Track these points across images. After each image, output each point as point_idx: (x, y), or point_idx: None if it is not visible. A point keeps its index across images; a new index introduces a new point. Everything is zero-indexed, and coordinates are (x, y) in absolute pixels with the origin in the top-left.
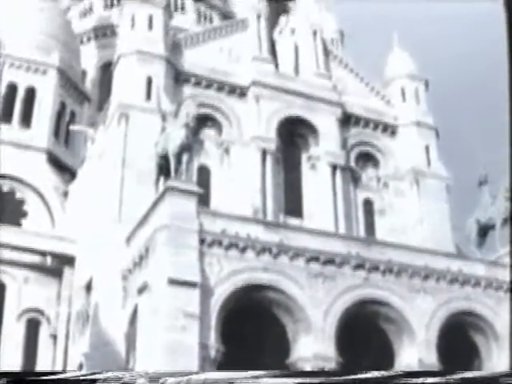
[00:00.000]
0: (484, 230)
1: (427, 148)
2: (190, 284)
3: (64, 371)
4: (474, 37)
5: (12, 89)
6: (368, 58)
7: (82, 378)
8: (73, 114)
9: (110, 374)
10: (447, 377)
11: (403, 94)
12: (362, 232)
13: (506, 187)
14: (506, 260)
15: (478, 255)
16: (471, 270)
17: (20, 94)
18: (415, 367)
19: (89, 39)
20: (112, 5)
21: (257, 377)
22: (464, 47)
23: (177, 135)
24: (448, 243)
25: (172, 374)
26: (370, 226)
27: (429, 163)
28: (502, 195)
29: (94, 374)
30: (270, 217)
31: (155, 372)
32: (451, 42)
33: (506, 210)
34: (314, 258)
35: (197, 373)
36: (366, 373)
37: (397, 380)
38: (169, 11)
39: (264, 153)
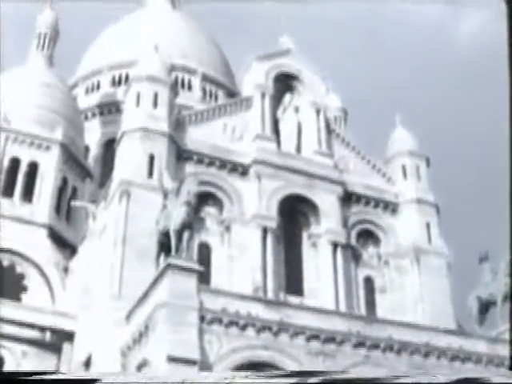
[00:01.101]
0: (485, 307)
1: (428, 225)
2: (189, 361)
3: (65, 372)
4: (478, 121)
5: (14, 163)
6: (371, 134)
7: (82, 378)
8: (74, 190)
9: (109, 374)
10: (447, 376)
11: (404, 171)
12: (362, 310)
13: (507, 262)
14: (507, 336)
15: (479, 332)
16: (472, 347)
17: (22, 169)
18: None
19: (93, 115)
20: (119, 82)
21: (257, 377)
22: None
23: (178, 213)
24: (449, 320)
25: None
26: (370, 304)
27: (430, 240)
28: (502, 271)
29: (95, 373)
30: (270, 294)
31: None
32: (452, 124)
33: (506, 286)
34: (314, 336)
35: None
36: (365, 373)
37: (396, 380)
38: (175, 89)
39: (265, 231)
